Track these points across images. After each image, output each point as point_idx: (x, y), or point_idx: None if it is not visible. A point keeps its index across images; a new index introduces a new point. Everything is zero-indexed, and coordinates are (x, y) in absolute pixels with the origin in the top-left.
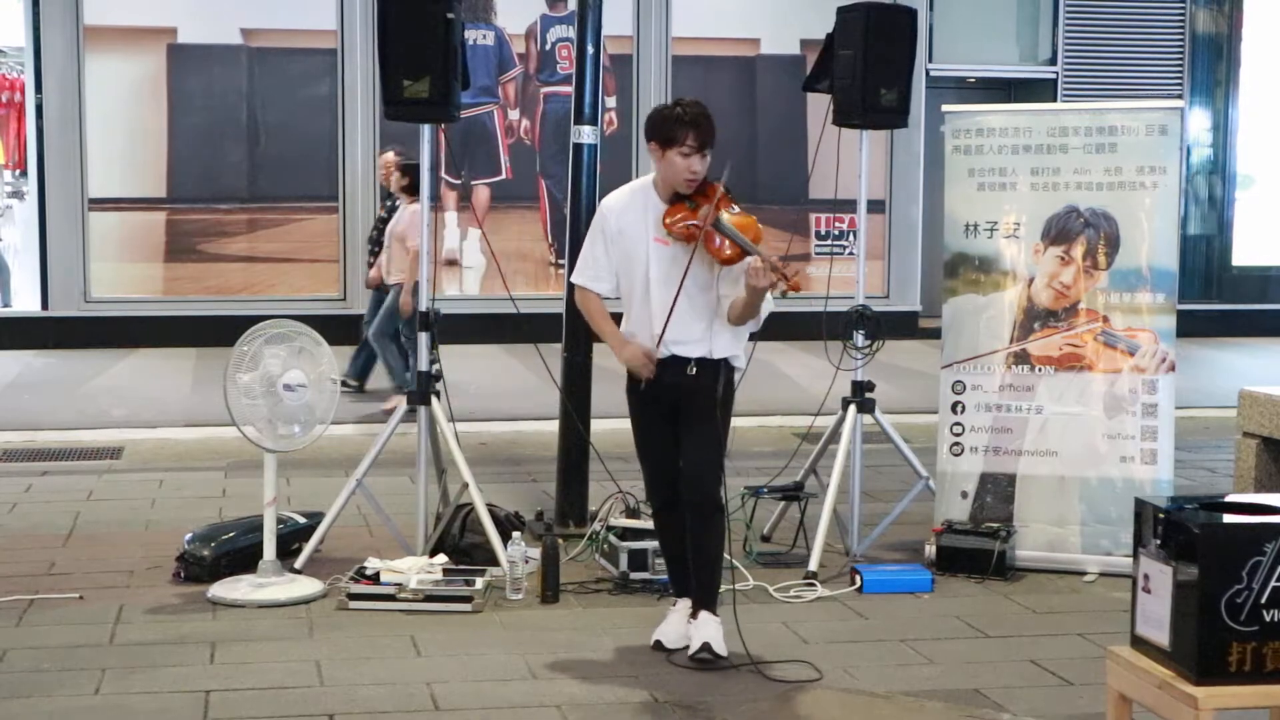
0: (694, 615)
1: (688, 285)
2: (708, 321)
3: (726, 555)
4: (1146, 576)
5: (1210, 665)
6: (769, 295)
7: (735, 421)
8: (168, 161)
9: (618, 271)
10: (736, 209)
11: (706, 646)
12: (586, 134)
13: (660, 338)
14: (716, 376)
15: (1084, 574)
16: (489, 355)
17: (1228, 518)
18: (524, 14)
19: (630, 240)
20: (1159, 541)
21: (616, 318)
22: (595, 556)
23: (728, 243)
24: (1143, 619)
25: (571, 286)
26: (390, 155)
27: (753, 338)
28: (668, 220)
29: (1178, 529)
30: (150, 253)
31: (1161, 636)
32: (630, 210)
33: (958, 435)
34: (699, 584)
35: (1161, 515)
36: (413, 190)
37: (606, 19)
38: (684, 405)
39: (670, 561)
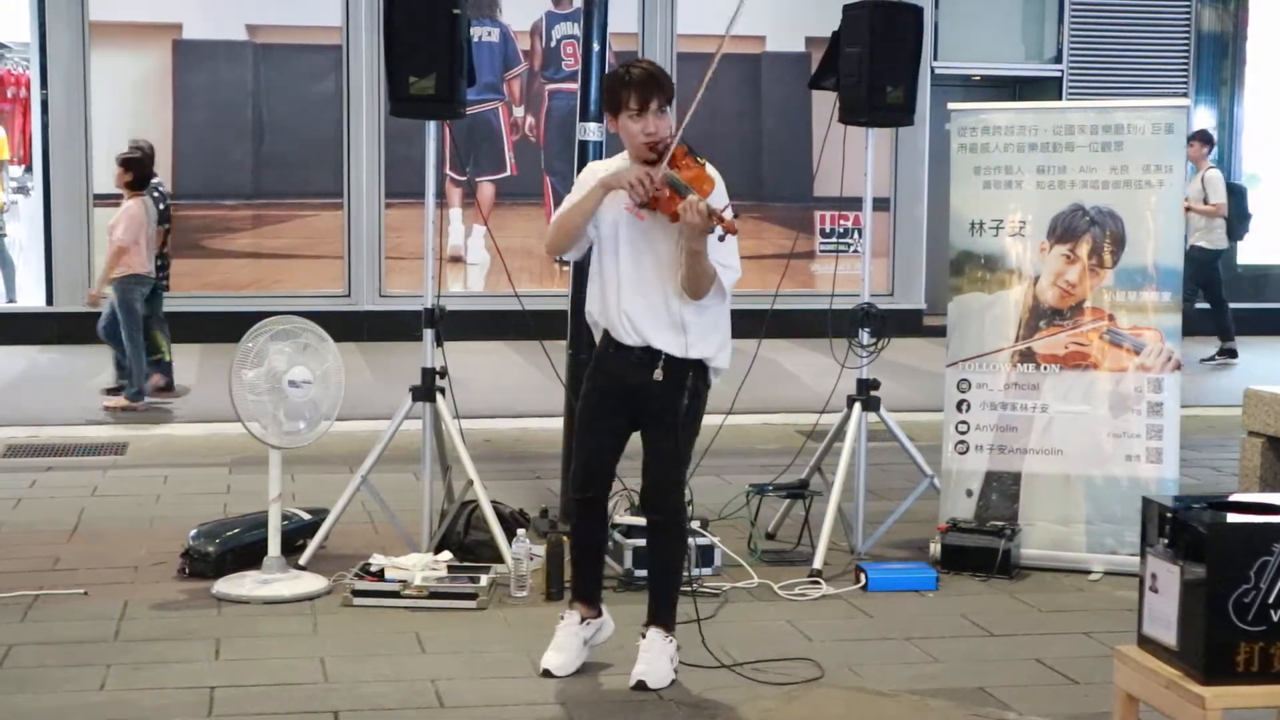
0: (645, 631)
1: (647, 256)
2: (677, 303)
3: (733, 554)
4: (1154, 576)
5: (1218, 665)
6: (717, 261)
7: (739, 420)
8: (173, 157)
9: (595, 248)
10: (700, 163)
11: (642, 685)
12: (592, 131)
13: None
14: (683, 386)
15: (1089, 573)
16: (494, 352)
17: (1236, 517)
18: (529, 11)
19: (607, 208)
20: (1166, 541)
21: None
22: None
23: (670, 194)
24: (1150, 618)
25: (577, 284)
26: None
27: (757, 335)
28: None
29: (1185, 528)
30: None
31: (1169, 636)
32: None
33: (963, 433)
34: (656, 597)
35: (1169, 515)
36: (136, 185)
37: (611, 16)
38: (648, 414)
39: (582, 551)
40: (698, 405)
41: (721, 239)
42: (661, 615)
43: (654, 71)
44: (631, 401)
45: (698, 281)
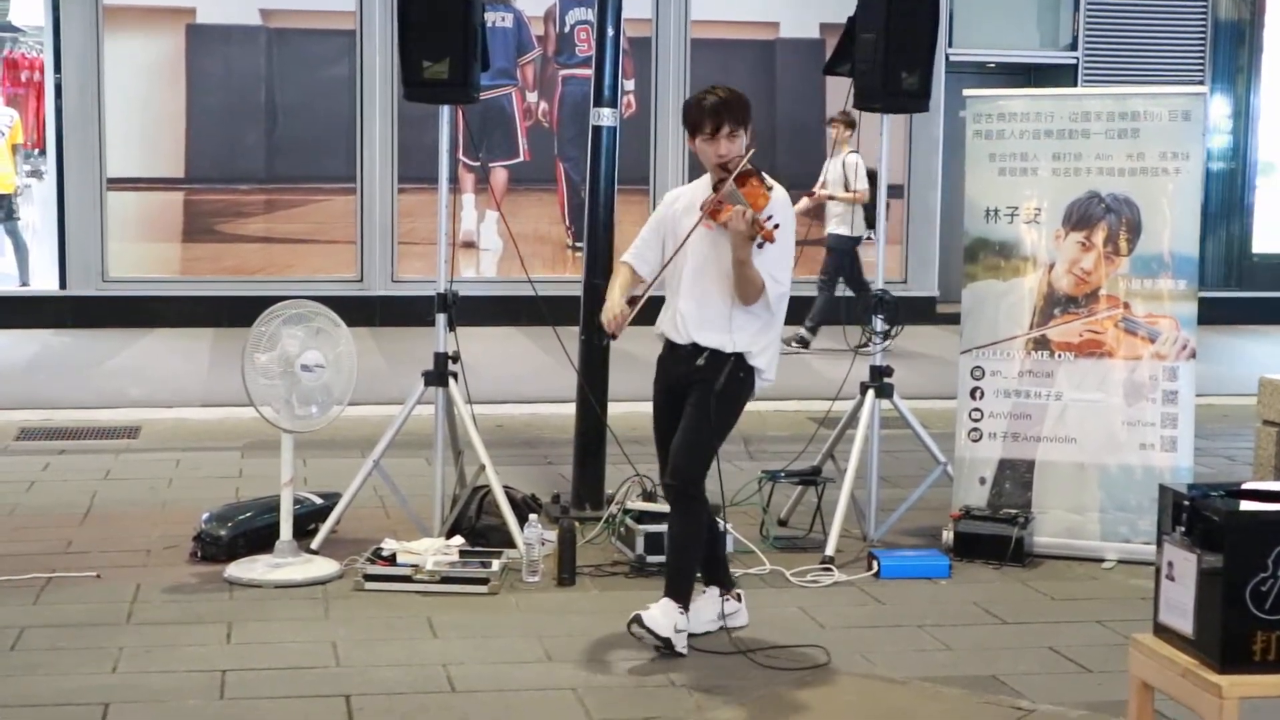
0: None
1: (711, 265)
2: (729, 307)
3: (745, 540)
4: (1170, 564)
5: (1234, 654)
6: (758, 271)
7: (754, 405)
8: (186, 142)
9: (668, 257)
10: (766, 186)
11: (638, 619)
12: (606, 116)
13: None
14: (722, 368)
15: (1102, 561)
16: (506, 337)
17: (1253, 506)
18: None
19: (683, 227)
20: (1184, 529)
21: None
22: (611, 539)
23: (728, 207)
24: (1166, 607)
25: (590, 269)
26: None
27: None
28: (702, 202)
29: (1203, 517)
30: (168, 233)
31: (1185, 624)
32: (687, 196)
33: (976, 421)
34: (667, 569)
35: (1186, 503)
36: None
37: (625, 1)
38: (687, 394)
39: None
40: (735, 389)
41: (760, 246)
42: (671, 588)
43: (727, 98)
44: (683, 392)
45: (745, 288)
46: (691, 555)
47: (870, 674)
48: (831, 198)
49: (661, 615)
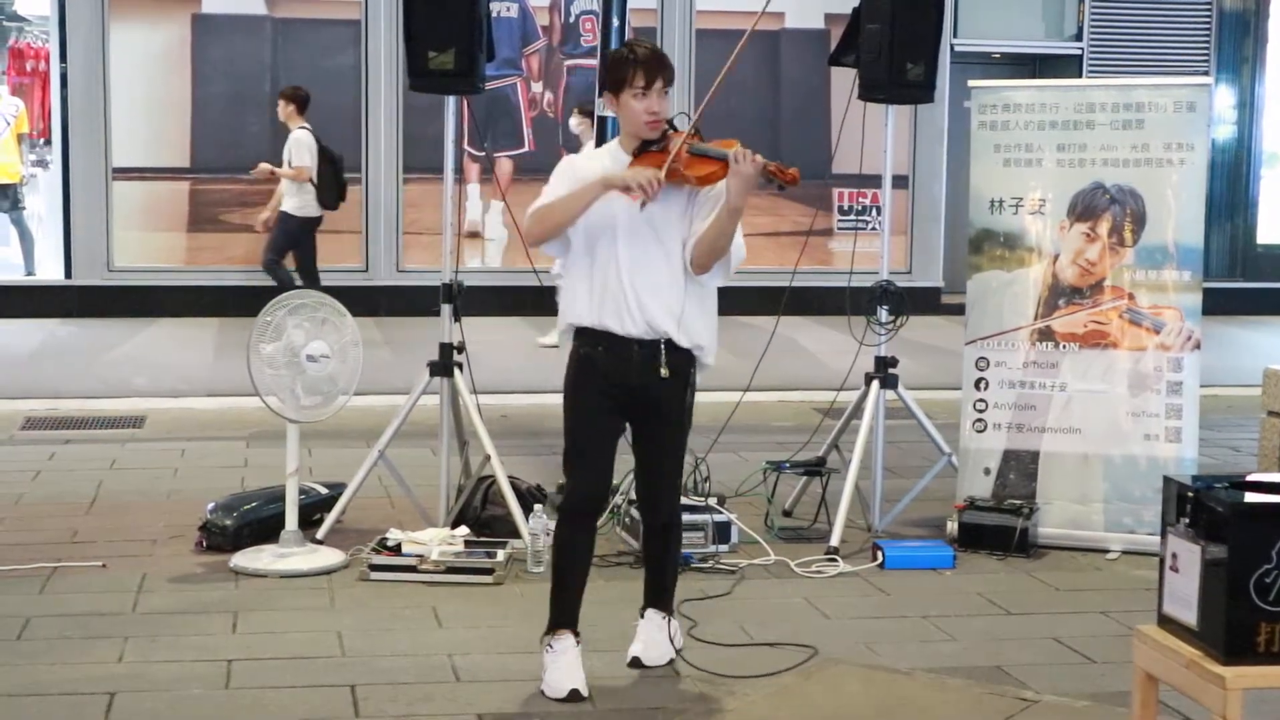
0: (644, 611)
1: (653, 243)
2: (681, 280)
3: (750, 531)
4: (1174, 555)
5: (1238, 645)
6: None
7: (757, 397)
8: (191, 131)
9: (582, 239)
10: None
11: (637, 662)
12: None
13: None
14: (687, 382)
15: (1107, 552)
16: (511, 327)
17: (1257, 497)
18: None
19: (599, 200)
20: (1188, 520)
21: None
22: (616, 530)
23: (706, 160)
24: (1170, 598)
25: None
26: None
27: (775, 312)
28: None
29: (1207, 508)
30: (173, 222)
31: (1189, 616)
32: (598, 165)
33: (981, 412)
34: (655, 584)
35: (1190, 494)
36: None
37: None
38: (654, 414)
39: (571, 589)
40: (693, 398)
41: (782, 188)
42: (662, 599)
43: (658, 52)
44: (634, 402)
45: (718, 245)
46: (677, 568)
47: (875, 664)
48: (274, 174)
49: (659, 639)
